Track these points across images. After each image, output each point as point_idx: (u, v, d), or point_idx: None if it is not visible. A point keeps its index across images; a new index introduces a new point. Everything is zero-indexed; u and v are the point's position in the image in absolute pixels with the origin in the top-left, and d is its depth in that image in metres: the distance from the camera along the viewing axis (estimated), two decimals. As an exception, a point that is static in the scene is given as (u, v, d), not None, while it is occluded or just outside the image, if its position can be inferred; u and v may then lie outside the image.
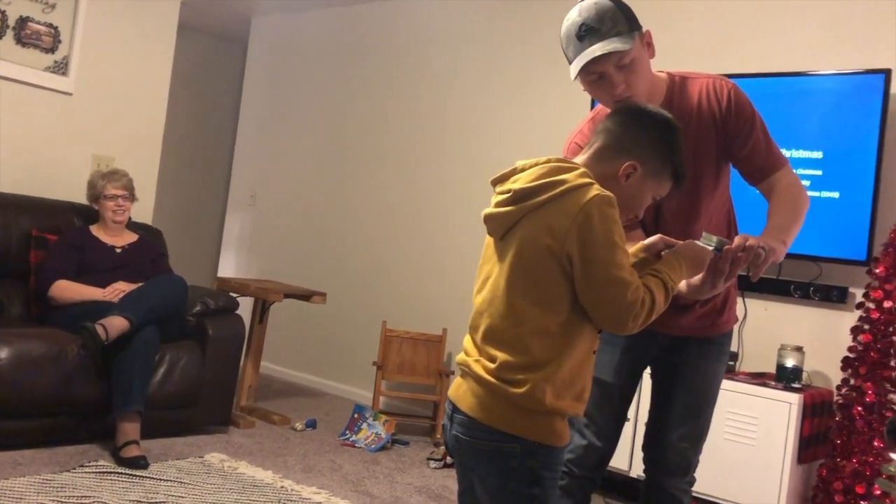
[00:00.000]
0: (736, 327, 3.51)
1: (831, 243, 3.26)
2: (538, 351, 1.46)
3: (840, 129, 3.27)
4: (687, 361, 2.07)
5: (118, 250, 3.74)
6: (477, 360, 1.52)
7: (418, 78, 5.00)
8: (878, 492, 2.73)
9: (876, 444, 2.93)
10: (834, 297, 3.34)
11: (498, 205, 1.53)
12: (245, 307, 4.25)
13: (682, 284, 1.70)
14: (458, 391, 1.56)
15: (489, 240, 1.59)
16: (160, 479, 3.02)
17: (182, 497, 2.88)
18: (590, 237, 1.42)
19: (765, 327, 3.51)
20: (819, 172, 3.31)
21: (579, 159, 1.58)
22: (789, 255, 3.34)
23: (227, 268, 6.02)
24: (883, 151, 3.16)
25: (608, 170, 1.55)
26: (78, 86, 4.17)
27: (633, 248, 1.70)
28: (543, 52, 4.33)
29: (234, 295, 4.06)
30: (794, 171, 2.02)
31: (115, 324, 3.22)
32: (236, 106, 6.27)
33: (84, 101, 4.21)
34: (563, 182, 1.46)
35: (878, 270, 3.02)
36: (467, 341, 1.59)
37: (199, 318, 3.78)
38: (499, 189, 1.56)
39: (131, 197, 3.81)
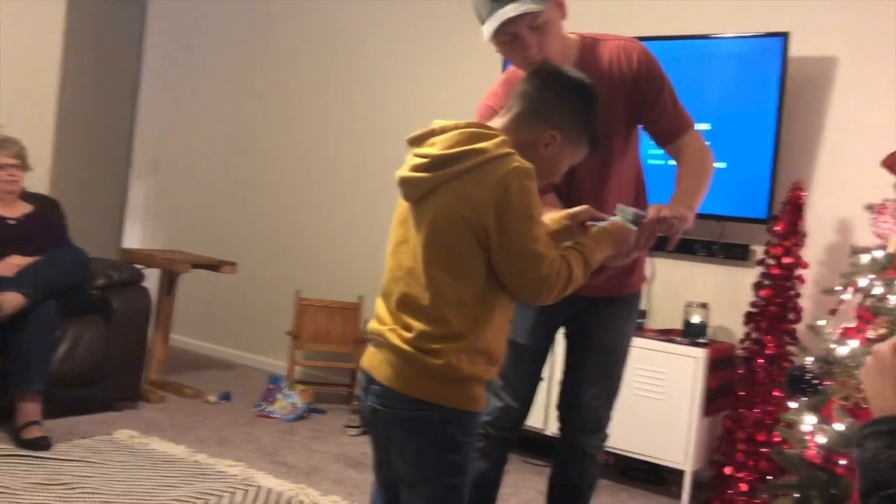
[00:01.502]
0: (644, 286, 3.62)
1: (733, 202, 3.37)
2: (456, 322, 1.45)
3: (741, 91, 3.35)
4: (599, 322, 2.11)
5: (12, 222, 3.54)
6: (392, 329, 1.50)
7: (330, 36, 4.88)
8: (778, 439, 2.86)
9: (776, 394, 3.07)
10: (736, 254, 3.45)
11: (414, 169, 1.50)
12: (152, 279, 4.12)
13: None
14: (373, 361, 1.54)
15: (403, 203, 1.56)
16: (65, 460, 2.91)
17: (89, 476, 2.78)
18: (507, 210, 1.42)
19: (671, 285, 3.62)
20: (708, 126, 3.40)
21: (497, 123, 1.56)
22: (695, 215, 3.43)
23: (132, 238, 5.81)
24: (782, 112, 3.26)
25: (527, 137, 1.53)
26: (-40, 47, 3.91)
27: (558, 215, 1.71)
28: (458, 9, 4.28)
29: (140, 266, 3.92)
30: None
31: (10, 300, 3.08)
32: (137, 68, 6.00)
33: (-33, 63, 3.95)
34: (482, 151, 1.43)
35: (777, 228, 3.14)
36: (380, 308, 1.57)
37: (103, 291, 3.65)
38: (415, 151, 1.53)
39: (24, 166, 3.61)
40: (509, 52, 1.87)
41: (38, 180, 4.06)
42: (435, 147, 1.48)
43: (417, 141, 1.54)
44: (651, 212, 1.72)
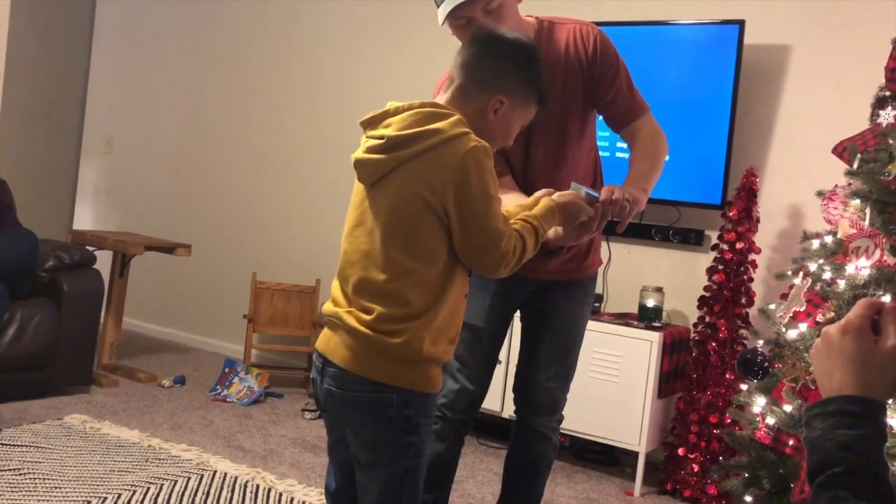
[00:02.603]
0: (600, 270, 3.64)
1: (689, 188, 3.41)
2: (416, 301, 1.45)
3: (697, 78, 3.39)
4: (554, 305, 2.12)
5: (-44, 202, 3.44)
6: (349, 312, 1.49)
7: (288, 15, 4.81)
8: (729, 420, 2.92)
9: (728, 376, 3.13)
10: (691, 239, 3.50)
11: (369, 150, 1.49)
12: (104, 261, 4.03)
13: (550, 233, 1.72)
14: (329, 343, 1.52)
15: (359, 185, 1.55)
16: (13, 445, 2.84)
17: (39, 462, 2.73)
18: (467, 190, 1.42)
19: (627, 269, 3.66)
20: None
21: (442, 99, 1.55)
22: (651, 200, 3.46)
23: (84, 220, 5.68)
24: (737, 100, 3.31)
25: (474, 107, 1.52)
26: None
27: (526, 202, 1.69)
28: (413, -5, 4.25)
29: (91, 248, 3.84)
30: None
31: (-44, 282, 2.98)
32: (88, 45, 5.84)
33: None
34: (438, 132, 1.43)
35: (731, 214, 3.19)
36: (336, 291, 1.55)
37: (53, 273, 3.57)
38: (370, 133, 1.51)
39: (-31, 144, 3.51)
40: (464, 36, 1.85)
41: (-16, 159, 3.95)
42: (390, 128, 1.47)
43: (371, 123, 1.52)
44: (604, 193, 1.72)
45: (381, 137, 1.47)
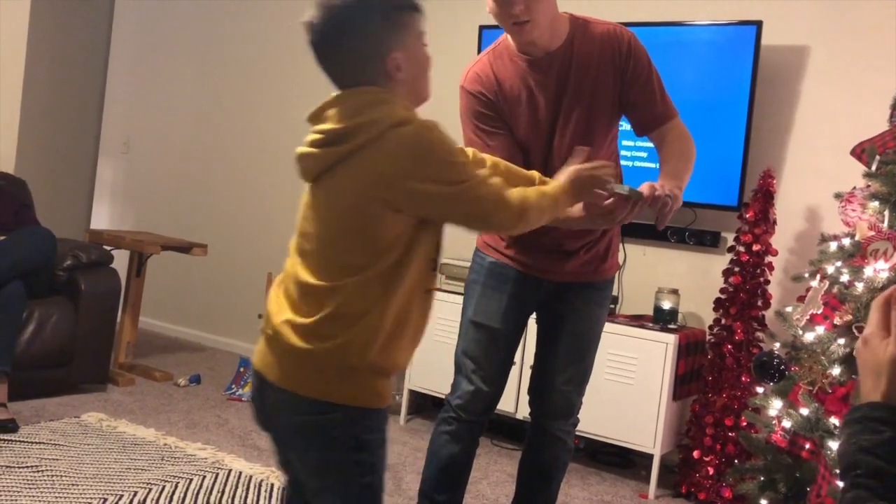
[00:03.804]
0: (616, 271, 3.64)
1: (706, 190, 3.39)
2: (356, 304, 1.32)
3: (714, 79, 3.37)
4: (571, 307, 2.11)
5: (-24, 202, 3.48)
6: (285, 322, 1.36)
7: (303, 15, 4.82)
8: (745, 423, 2.90)
9: (744, 379, 3.11)
10: (707, 241, 3.48)
11: (310, 146, 1.40)
12: (121, 260, 4.06)
13: (576, 209, 1.69)
14: (266, 360, 1.39)
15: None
16: (32, 443, 2.87)
17: (57, 459, 2.75)
18: (426, 172, 1.31)
19: (643, 271, 3.64)
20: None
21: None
22: (667, 202, 3.46)
23: (101, 219, 5.72)
24: (754, 101, 3.29)
25: (379, 79, 1.37)
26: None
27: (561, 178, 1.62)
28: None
29: (108, 248, 3.87)
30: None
31: (-25, 280, 3.01)
32: (106, 46, 5.89)
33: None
34: (376, 122, 1.32)
35: (748, 215, 3.17)
36: (272, 298, 1.43)
37: (70, 272, 3.59)
38: (314, 128, 1.42)
39: (-11, 144, 3.54)
40: (499, 8, 1.88)
41: (3, 159, 3.98)
42: (329, 121, 1.37)
43: (315, 117, 1.42)
44: (645, 188, 1.69)
45: (321, 132, 1.38)
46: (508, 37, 2.01)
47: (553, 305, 2.13)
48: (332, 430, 1.34)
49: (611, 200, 1.65)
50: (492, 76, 2.02)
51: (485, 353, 2.09)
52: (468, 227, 1.41)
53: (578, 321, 2.12)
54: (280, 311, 1.38)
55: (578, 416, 2.20)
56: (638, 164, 3.51)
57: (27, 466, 2.66)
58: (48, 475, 2.62)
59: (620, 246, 3.61)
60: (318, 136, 1.39)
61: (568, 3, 2.66)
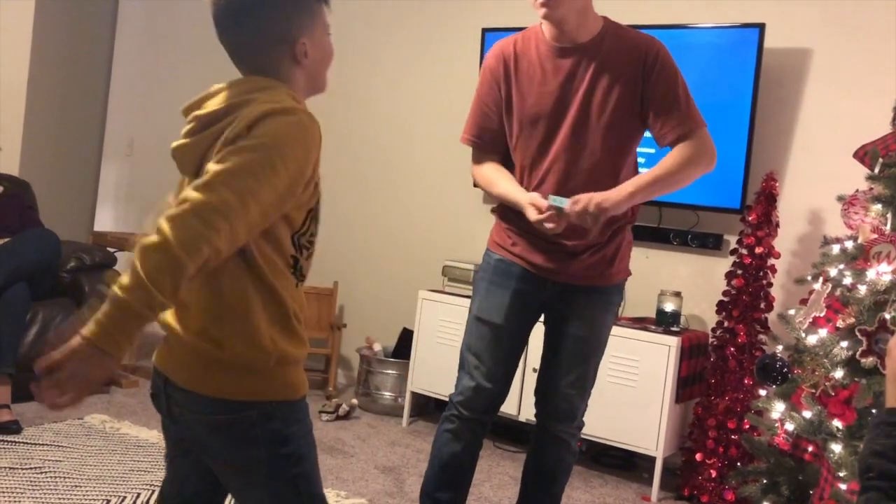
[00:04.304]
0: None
1: (708, 192, 3.40)
2: (232, 296, 1.25)
3: (717, 82, 3.37)
4: (575, 311, 2.11)
5: (-20, 204, 3.49)
6: (181, 321, 1.29)
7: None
8: (748, 425, 2.90)
9: (746, 381, 3.11)
10: (710, 243, 3.48)
11: (185, 135, 1.33)
12: (125, 262, 4.07)
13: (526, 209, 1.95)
14: (169, 360, 1.32)
15: (182, 180, 1.37)
16: (35, 444, 2.88)
17: (60, 461, 2.76)
18: (246, 145, 1.22)
19: (645, 274, 3.64)
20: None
21: (251, 84, 1.35)
22: (670, 204, 3.46)
23: (105, 221, 5.74)
24: (757, 103, 3.29)
25: (283, 62, 1.34)
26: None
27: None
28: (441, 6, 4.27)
29: (112, 250, 3.88)
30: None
31: (-21, 282, 3.02)
32: (110, 48, 5.90)
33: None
34: (252, 100, 1.26)
35: (750, 218, 3.17)
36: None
37: (74, 274, 3.61)
38: (189, 116, 1.35)
39: (-7, 146, 3.56)
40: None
41: (8, 161, 4.00)
42: (206, 109, 1.31)
43: (192, 109, 1.35)
44: (567, 204, 1.88)
45: (194, 119, 1.32)
46: (542, 24, 2.06)
47: (558, 307, 2.13)
48: (251, 429, 1.28)
49: (547, 214, 1.90)
50: (511, 51, 2.08)
51: (487, 349, 2.09)
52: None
53: (582, 325, 2.10)
54: (174, 310, 1.31)
55: (583, 419, 2.20)
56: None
57: (30, 468, 2.67)
58: (51, 476, 2.63)
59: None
60: (191, 125, 1.32)
61: (571, 5, 2.67)
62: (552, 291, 2.10)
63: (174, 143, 1.36)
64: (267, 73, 1.34)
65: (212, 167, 1.20)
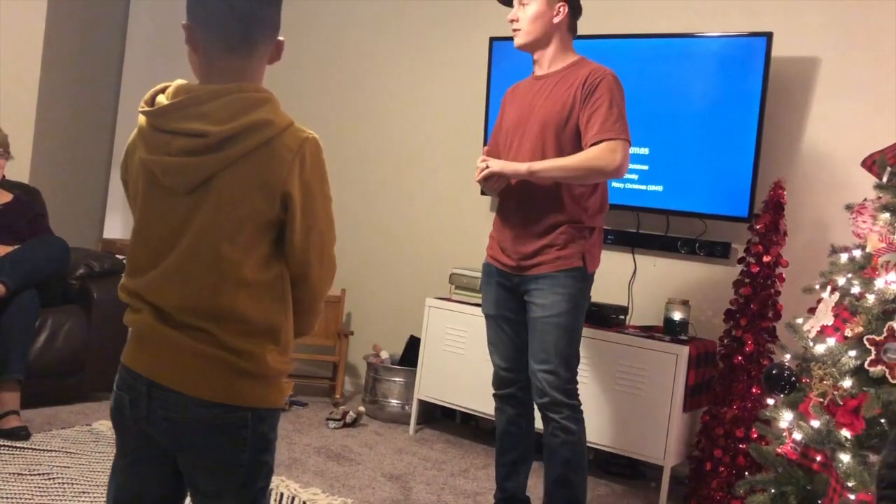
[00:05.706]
0: (626, 282, 3.64)
1: (716, 201, 3.39)
2: (258, 316, 1.30)
3: (725, 90, 3.38)
4: (532, 297, 2.46)
5: (-9, 211, 3.51)
6: (179, 330, 1.29)
7: (310, 18, 4.86)
8: (756, 435, 2.89)
9: (754, 390, 3.10)
10: (718, 252, 3.48)
11: (189, 152, 1.27)
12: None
13: (496, 166, 2.47)
14: (158, 366, 1.31)
15: (146, 186, 1.35)
16: (43, 450, 2.89)
17: (68, 467, 2.77)
18: (310, 186, 1.31)
19: (653, 282, 3.64)
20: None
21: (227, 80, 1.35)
22: (677, 213, 3.46)
23: (114, 228, 5.76)
24: (764, 112, 3.29)
25: (265, 55, 1.39)
26: (-60, 33, 3.85)
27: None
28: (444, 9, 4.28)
29: (121, 257, 3.89)
30: (626, 153, 2.39)
31: (-11, 288, 3.04)
32: (120, 56, 5.94)
33: (-53, 49, 3.89)
34: (268, 123, 1.28)
35: (758, 227, 3.16)
36: (143, 304, 1.33)
37: (83, 281, 3.62)
38: (182, 127, 1.28)
39: (5, 154, 3.57)
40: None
41: (18, 169, 4.02)
42: (210, 121, 1.26)
43: (175, 110, 1.31)
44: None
45: (204, 134, 1.25)
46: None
47: (523, 296, 2.50)
48: (242, 431, 1.32)
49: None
50: (515, 89, 2.63)
51: (495, 335, 2.61)
52: (294, 263, 1.35)
53: (538, 310, 2.44)
54: (168, 318, 1.32)
55: (573, 401, 2.45)
56: (629, 185, 3.55)
57: (39, 474, 2.67)
58: (59, 482, 2.64)
59: (630, 257, 3.63)
60: (198, 139, 1.26)
61: (581, 18, 2.68)
62: (516, 281, 2.51)
63: (167, 160, 1.30)
64: (245, 72, 1.36)
65: (309, 225, 1.32)
